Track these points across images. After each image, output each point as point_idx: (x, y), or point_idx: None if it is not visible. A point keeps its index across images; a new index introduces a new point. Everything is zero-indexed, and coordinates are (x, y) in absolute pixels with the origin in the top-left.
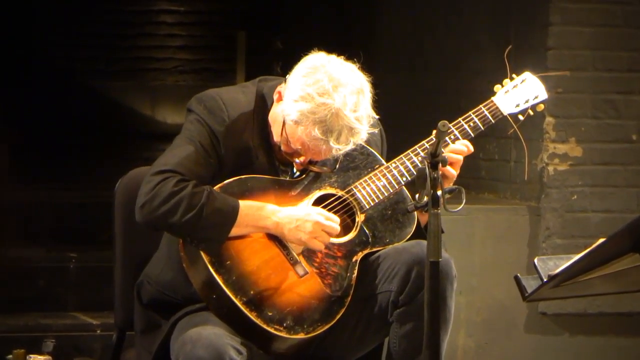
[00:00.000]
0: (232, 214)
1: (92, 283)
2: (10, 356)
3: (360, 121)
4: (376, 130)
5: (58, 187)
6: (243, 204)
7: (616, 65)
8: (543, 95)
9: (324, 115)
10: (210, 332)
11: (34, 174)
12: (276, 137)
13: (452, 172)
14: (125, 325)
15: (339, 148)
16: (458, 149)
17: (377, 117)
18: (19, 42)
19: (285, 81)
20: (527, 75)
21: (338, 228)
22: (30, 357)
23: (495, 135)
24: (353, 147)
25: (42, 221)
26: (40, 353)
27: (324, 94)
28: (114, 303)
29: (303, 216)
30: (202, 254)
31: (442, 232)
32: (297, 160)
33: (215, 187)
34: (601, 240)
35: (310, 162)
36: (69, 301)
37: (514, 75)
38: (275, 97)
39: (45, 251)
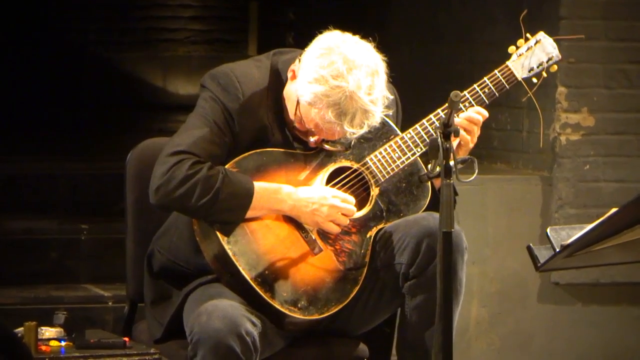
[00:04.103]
0: (247, 198)
1: (104, 255)
2: (22, 328)
3: (375, 103)
4: (391, 112)
5: (70, 158)
6: (258, 186)
7: (629, 35)
8: (557, 55)
9: (338, 98)
10: (227, 304)
11: (46, 145)
12: (290, 115)
13: (467, 137)
14: (137, 297)
15: (353, 131)
16: (473, 117)
17: (391, 97)
18: (31, 13)
19: (299, 60)
20: (542, 36)
21: (355, 210)
22: (42, 329)
23: (507, 105)
24: (367, 129)
25: (54, 193)
26: (52, 325)
27: (338, 76)
28: (126, 275)
29: (319, 199)
30: (217, 231)
31: (456, 194)
32: (311, 139)
33: (230, 163)
34: (614, 209)
35: (324, 141)
36: (81, 273)
37: (528, 36)
38: (289, 75)
39: (57, 223)
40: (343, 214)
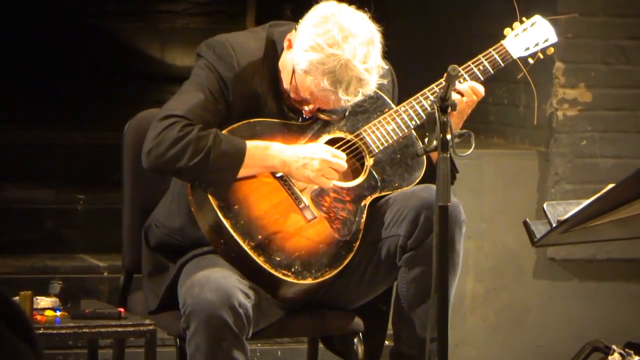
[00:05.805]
0: (239, 155)
1: (100, 225)
2: (17, 297)
3: (370, 72)
4: (385, 82)
5: (67, 128)
6: (250, 144)
7: (627, 11)
8: (553, 38)
9: (333, 66)
10: (219, 275)
11: (43, 115)
12: (285, 84)
13: (463, 103)
14: (132, 268)
15: (348, 99)
16: (477, 89)
17: (386, 67)
18: None
19: (295, 29)
20: (537, 19)
21: (345, 164)
22: (37, 299)
23: (504, 80)
24: (362, 98)
25: (51, 162)
26: (47, 295)
27: (334, 44)
28: (122, 245)
29: (310, 154)
30: (210, 198)
31: (457, 171)
32: (305, 108)
33: (223, 132)
34: (611, 185)
35: (319, 110)
36: (77, 243)
37: (524, 19)
38: (285, 44)
39: (54, 193)
40: (334, 169)
